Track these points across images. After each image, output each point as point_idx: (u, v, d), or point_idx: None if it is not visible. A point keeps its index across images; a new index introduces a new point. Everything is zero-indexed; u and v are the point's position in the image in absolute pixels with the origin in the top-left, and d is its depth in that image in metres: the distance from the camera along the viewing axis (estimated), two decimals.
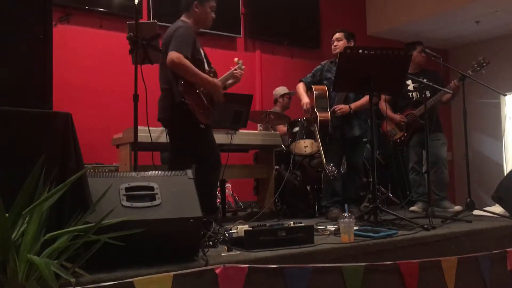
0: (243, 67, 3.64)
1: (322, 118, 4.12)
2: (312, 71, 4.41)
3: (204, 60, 3.34)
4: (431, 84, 4.25)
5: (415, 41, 5.02)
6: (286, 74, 6.35)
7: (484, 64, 4.27)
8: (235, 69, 3.58)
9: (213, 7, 3.38)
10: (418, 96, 4.80)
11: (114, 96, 5.41)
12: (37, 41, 2.06)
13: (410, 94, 4.83)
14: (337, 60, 4.25)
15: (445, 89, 4.46)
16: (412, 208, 4.71)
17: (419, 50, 4.75)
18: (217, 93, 3.32)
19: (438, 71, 4.83)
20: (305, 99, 4.20)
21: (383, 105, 4.89)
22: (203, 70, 3.26)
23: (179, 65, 3.07)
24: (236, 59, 3.65)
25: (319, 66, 4.39)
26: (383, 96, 4.79)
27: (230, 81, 3.61)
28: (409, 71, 4.71)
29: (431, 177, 4.73)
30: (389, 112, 4.88)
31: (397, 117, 4.82)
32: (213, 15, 3.40)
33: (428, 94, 4.50)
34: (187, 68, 3.08)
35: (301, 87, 4.34)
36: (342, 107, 4.14)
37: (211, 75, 3.32)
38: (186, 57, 3.09)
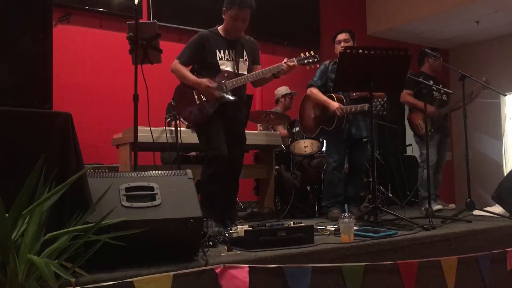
0: (307, 61, 3.43)
1: (337, 97, 4.12)
2: (318, 73, 4.28)
3: (222, 61, 3.38)
4: (450, 91, 4.72)
5: (434, 48, 5.22)
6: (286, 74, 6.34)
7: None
8: (285, 62, 3.39)
9: (235, 17, 3.32)
10: (441, 97, 4.94)
11: (114, 96, 5.41)
12: (37, 41, 2.06)
13: (434, 93, 4.85)
14: (334, 62, 4.27)
15: (448, 90, 4.81)
16: (437, 207, 4.65)
17: (438, 57, 4.88)
18: (206, 94, 3.34)
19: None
20: (335, 103, 4.02)
21: (408, 98, 4.93)
22: (216, 71, 3.36)
23: (173, 70, 3.40)
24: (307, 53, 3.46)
25: (322, 66, 4.29)
26: (406, 91, 4.87)
27: (276, 72, 3.42)
28: (428, 74, 4.93)
29: (431, 177, 4.80)
30: (422, 103, 4.64)
31: (432, 108, 4.80)
32: (238, 24, 3.37)
33: (445, 97, 4.92)
34: (178, 72, 3.39)
35: (318, 92, 4.18)
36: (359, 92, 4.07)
37: (226, 75, 3.35)
38: (182, 62, 3.39)
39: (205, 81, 3.33)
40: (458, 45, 8.49)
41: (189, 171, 2.31)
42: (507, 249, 3.21)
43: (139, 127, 3.16)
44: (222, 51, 3.41)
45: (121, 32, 4.67)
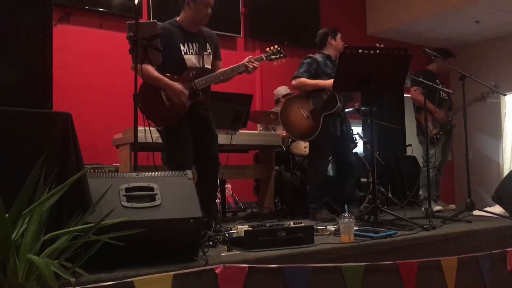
0: (274, 56, 3.42)
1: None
2: (305, 66, 4.17)
3: (188, 56, 3.26)
4: (450, 91, 4.78)
5: (448, 51, 5.23)
6: (286, 74, 6.32)
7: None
8: (250, 60, 3.34)
9: (207, 3, 3.25)
10: (448, 98, 5.00)
11: (114, 96, 5.41)
12: (37, 41, 2.06)
13: (441, 93, 4.87)
14: (328, 55, 4.24)
15: (448, 90, 4.82)
16: (437, 208, 4.63)
17: (450, 61, 4.95)
18: (172, 94, 3.15)
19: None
20: (330, 80, 3.90)
21: (418, 96, 4.91)
22: (182, 68, 3.22)
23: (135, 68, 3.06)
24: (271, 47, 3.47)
25: (309, 59, 4.20)
26: (415, 88, 4.88)
27: (241, 70, 3.36)
28: (433, 72, 4.98)
29: (432, 178, 4.80)
30: (431, 106, 4.65)
31: (441, 113, 4.83)
32: (208, 11, 3.29)
33: (448, 97, 5.01)
34: (143, 71, 3.02)
35: (307, 80, 4.11)
36: None
37: (193, 72, 3.23)
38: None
39: (179, 86, 3.15)
40: (458, 45, 8.49)
41: (189, 171, 2.31)
42: (507, 249, 3.21)
43: (139, 127, 3.16)
44: (186, 45, 3.27)
45: (121, 32, 4.68)
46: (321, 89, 4.07)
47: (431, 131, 4.85)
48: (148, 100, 3.17)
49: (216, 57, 3.45)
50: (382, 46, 3.72)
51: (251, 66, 3.33)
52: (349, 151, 4.28)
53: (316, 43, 4.34)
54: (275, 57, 3.45)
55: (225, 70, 3.32)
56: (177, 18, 3.36)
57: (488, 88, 4.54)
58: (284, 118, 4.16)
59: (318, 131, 4.01)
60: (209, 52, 3.37)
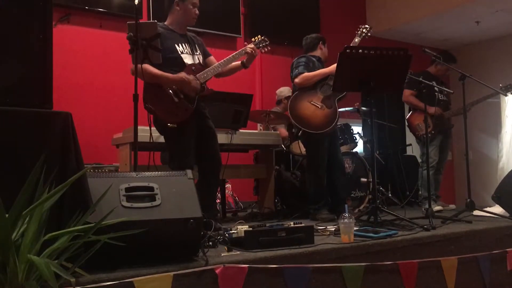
0: (262, 44, 3.58)
1: None
2: (302, 64, 4.16)
3: (184, 55, 3.32)
4: (450, 91, 4.83)
5: (452, 56, 5.26)
6: (286, 74, 6.33)
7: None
8: (249, 46, 3.49)
9: (195, 4, 3.37)
10: (444, 98, 5.01)
11: (114, 96, 5.41)
12: (37, 41, 2.06)
13: (437, 94, 4.87)
14: (319, 58, 4.27)
15: (449, 90, 4.87)
16: (436, 208, 4.62)
17: (451, 65, 4.92)
18: (185, 86, 3.20)
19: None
20: (333, 65, 3.88)
21: (410, 98, 4.98)
22: (181, 66, 3.26)
23: (137, 72, 3.06)
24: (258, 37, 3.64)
25: (305, 58, 4.22)
26: (408, 91, 4.96)
27: (246, 59, 3.50)
28: (432, 74, 5.03)
29: (432, 178, 4.80)
30: (428, 106, 4.59)
31: (438, 110, 4.85)
32: (197, 12, 3.39)
33: (446, 98, 5.06)
34: (145, 71, 3.06)
35: (309, 73, 4.11)
36: None
37: (193, 68, 3.28)
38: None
39: (183, 74, 3.20)
40: (458, 45, 8.49)
41: (189, 171, 2.31)
42: (507, 249, 3.21)
43: (139, 127, 3.16)
44: (180, 45, 3.35)
45: (121, 32, 4.68)
46: (325, 78, 4.08)
47: (421, 130, 4.87)
48: (158, 101, 3.19)
49: (205, 55, 3.55)
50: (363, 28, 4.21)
51: (249, 49, 3.45)
52: (337, 149, 4.28)
53: (306, 45, 4.39)
54: (262, 45, 3.61)
55: (222, 61, 3.41)
56: (165, 22, 3.43)
57: (492, 90, 4.55)
58: (296, 115, 4.05)
59: (338, 114, 4.00)
60: (199, 53, 3.47)
